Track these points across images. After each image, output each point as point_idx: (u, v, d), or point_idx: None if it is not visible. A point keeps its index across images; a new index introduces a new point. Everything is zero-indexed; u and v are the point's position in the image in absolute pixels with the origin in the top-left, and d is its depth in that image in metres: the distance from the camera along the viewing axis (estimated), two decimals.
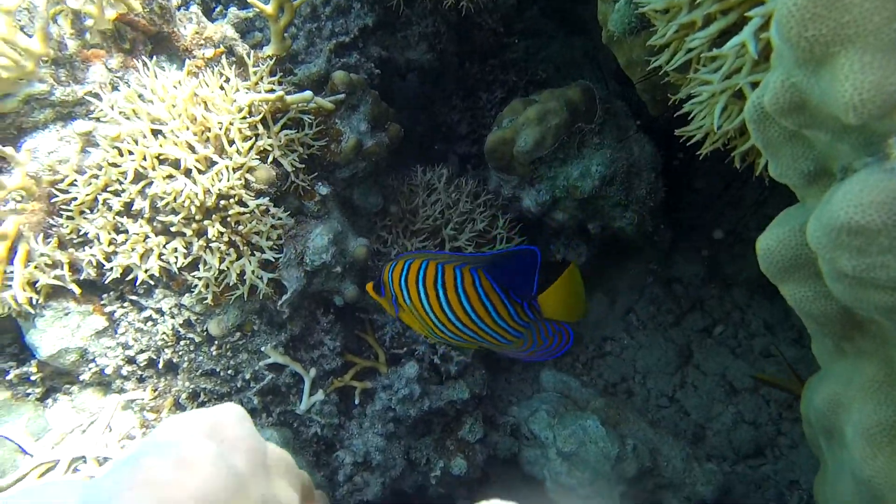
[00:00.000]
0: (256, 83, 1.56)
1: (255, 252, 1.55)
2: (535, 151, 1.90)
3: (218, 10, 1.89)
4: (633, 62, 1.42)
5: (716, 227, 2.49)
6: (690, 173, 2.48)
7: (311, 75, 1.83)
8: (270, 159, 1.57)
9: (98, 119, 1.42)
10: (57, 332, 1.42)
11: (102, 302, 1.49)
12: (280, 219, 1.59)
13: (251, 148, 1.52)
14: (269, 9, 1.49)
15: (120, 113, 1.40)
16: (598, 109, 1.91)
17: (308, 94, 1.56)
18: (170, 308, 1.56)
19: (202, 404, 1.60)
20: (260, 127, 1.54)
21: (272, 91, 1.56)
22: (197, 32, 1.58)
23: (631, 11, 1.11)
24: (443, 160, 2.55)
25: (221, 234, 1.51)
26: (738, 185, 2.56)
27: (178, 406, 1.59)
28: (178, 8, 1.59)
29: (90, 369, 1.51)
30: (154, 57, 1.53)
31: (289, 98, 1.54)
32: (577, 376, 2.39)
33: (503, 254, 1.14)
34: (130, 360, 1.56)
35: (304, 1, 1.56)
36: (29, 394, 1.49)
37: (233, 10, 1.63)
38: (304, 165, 1.63)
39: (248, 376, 1.65)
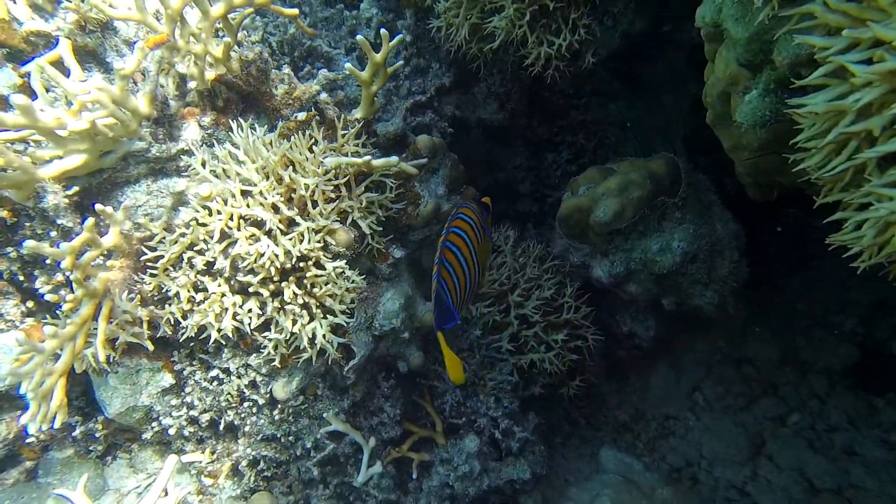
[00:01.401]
0: (343, 145, 1.55)
1: (327, 315, 1.51)
2: (614, 223, 1.83)
3: (306, 69, 1.91)
4: (740, 147, 1.35)
5: (791, 308, 2.35)
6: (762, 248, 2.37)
7: (387, 133, 1.83)
8: (349, 221, 1.54)
9: (189, 176, 1.42)
10: (127, 390, 1.38)
11: (173, 359, 1.46)
12: (354, 282, 1.54)
13: (332, 210, 1.49)
14: (365, 75, 1.49)
15: (211, 171, 1.40)
16: (682, 183, 1.84)
17: (394, 159, 1.53)
18: (236, 368, 1.51)
19: (261, 472, 1.53)
20: (343, 189, 1.52)
21: (358, 154, 1.55)
22: (286, 92, 1.59)
23: (766, 105, 1.05)
24: (503, 217, 2.51)
25: (296, 295, 1.47)
26: (815, 262, 2.43)
27: (236, 472, 1.52)
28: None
29: (153, 428, 1.47)
30: (246, 116, 1.53)
31: (375, 162, 1.52)
32: (639, 457, 2.24)
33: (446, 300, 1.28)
34: (193, 421, 1.51)
35: (397, 68, 1.55)
36: (91, 451, 1.45)
37: (323, 72, 1.64)
38: (380, 228, 1.60)
39: (308, 444, 1.58)
